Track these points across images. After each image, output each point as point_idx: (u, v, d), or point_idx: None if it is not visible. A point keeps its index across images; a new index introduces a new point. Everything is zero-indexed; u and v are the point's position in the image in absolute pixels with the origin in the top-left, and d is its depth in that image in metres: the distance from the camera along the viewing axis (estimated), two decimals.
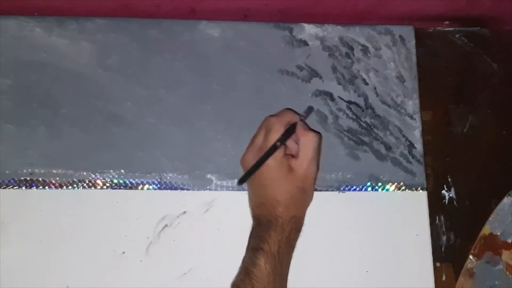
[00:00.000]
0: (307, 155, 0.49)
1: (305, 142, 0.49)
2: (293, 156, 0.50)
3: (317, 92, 0.58)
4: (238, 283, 0.46)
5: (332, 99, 0.58)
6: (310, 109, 0.56)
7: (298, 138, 0.50)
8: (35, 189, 0.53)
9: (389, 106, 0.58)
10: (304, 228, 0.52)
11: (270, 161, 0.48)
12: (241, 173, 0.55)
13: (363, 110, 0.58)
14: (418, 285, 0.53)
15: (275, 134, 0.48)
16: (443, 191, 0.58)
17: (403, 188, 0.56)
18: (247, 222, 0.53)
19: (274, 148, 0.48)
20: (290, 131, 0.49)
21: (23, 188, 0.53)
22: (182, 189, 0.54)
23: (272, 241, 0.47)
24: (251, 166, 0.48)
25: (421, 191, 0.56)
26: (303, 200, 0.50)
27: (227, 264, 0.52)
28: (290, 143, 0.50)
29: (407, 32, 0.61)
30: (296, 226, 0.49)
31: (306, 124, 0.52)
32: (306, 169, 0.49)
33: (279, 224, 0.47)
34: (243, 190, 0.54)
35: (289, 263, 0.50)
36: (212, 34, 0.59)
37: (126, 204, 0.54)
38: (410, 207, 0.56)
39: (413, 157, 0.57)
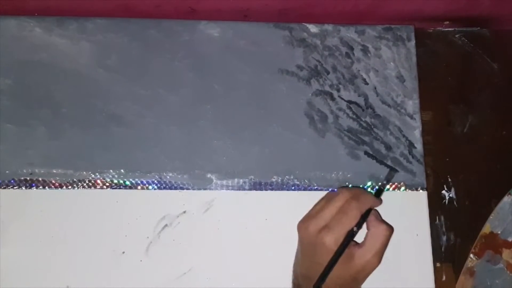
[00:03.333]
0: (373, 248, 0.45)
1: (375, 234, 0.46)
2: (356, 242, 0.47)
3: (317, 92, 0.58)
4: None
5: (332, 98, 0.58)
6: (391, 174, 0.55)
7: (368, 226, 0.47)
8: (35, 189, 0.53)
9: (389, 106, 0.58)
10: None
11: (332, 244, 0.44)
12: (240, 173, 0.55)
13: (363, 110, 0.58)
14: (418, 285, 0.53)
15: (351, 219, 0.45)
16: (443, 191, 0.58)
17: (403, 188, 0.56)
18: (247, 222, 0.53)
19: (351, 236, 0.45)
20: (364, 217, 0.47)
21: (23, 188, 0.53)
22: (182, 188, 0.54)
23: None
24: (327, 264, 0.44)
25: (421, 191, 0.56)
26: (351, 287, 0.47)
27: (227, 264, 0.52)
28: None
29: (407, 32, 0.61)
30: None
31: (379, 214, 0.50)
32: (368, 262, 0.45)
33: None
34: (243, 190, 0.55)
35: None
36: (212, 34, 0.59)
37: (126, 204, 0.53)
38: (410, 207, 0.55)
39: (413, 157, 0.57)
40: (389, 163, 0.56)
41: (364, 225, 0.47)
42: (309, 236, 0.46)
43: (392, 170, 0.56)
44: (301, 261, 0.48)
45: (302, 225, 0.47)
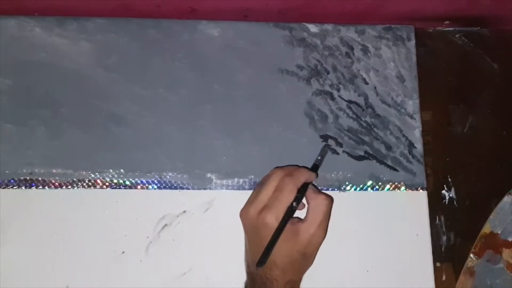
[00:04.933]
0: (316, 219, 0.46)
1: (316, 206, 0.47)
2: (299, 218, 0.48)
3: (317, 92, 0.58)
4: None
5: (332, 98, 0.58)
6: (325, 150, 0.55)
7: (307, 200, 0.48)
8: (34, 189, 0.53)
9: (389, 105, 0.58)
10: None
11: (274, 222, 0.45)
12: (240, 173, 0.55)
13: (363, 110, 0.58)
14: (418, 285, 0.53)
15: (288, 195, 0.46)
16: (443, 191, 0.58)
17: (403, 188, 0.56)
18: None
19: (291, 211, 0.46)
20: (302, 192, 0.47)
21: (23, 188, 0.53)
22: (182, 188, 0.54)
23: None
24: (270, 240, 0.44)
25: (421, 191, 0.56)
26: (302, 265, 0.47)
27: (226, 264, 0.52)
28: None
29: (407, 32, 0.61)
30: None
31: (316, 187, 0.51)
32: (313, 235, 0.46)
33: None
34: (243, 189, 0.55)
35: None
36: (212, 34, 0.59)
37: (125, 204, 0.53)
38: (410, 207, 0.55)
39: (413, 157, 0.57)
40: (389, 162, 0.56)
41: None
42: (251, 221, 0.46)
43: (326, 146, 0.56)
44: (249, 249, 0.48)
45: (243, 212, 0.48)
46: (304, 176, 0.48)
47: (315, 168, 0.53)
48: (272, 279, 0.45)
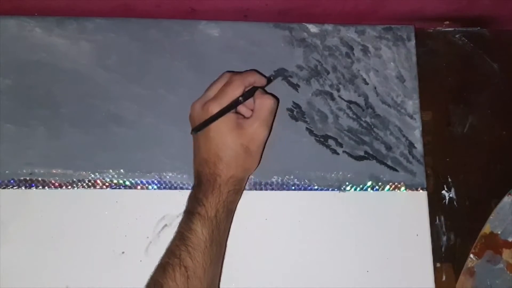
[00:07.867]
0: (260, 116, 0.49)
1: (261, 104, 0.49)
2: (245, 117, 0.50)
3: (317, 92, 0.58)
4: (173, 248, 0.45)
5: (333, 98, 0.58)
6: (280, 72, 0.57)
7: (254, 100, 0.50)
8: (34, 189, 0.53)
9: (389, 106, 0.58)
10: (303, 225, 0.52)
11: (216, 109, 0.47)
12: None
13: (363, 110, 0.58)
14: (418, 285, 0.53)
15: (235, 89, 0.48)
16: (443, 191, 0.58)
17: (403, 188, 0.56)
18: (247, 222, 0.53)
19: (236, 103, 0.48)
20: (250, 92, 0.50)
21: (23, 188, 0.53)
22: (181, 188, 0.54)
23: (209, 204, 0.46)
24: (210, 116, 0.47)
25: (421, 191, 0.56)
26: (246, 160, 0.49)
27: (226, 264, 0.52)
28: (242, 106, 0.50)
29: (407, 32, 0.61)
30: (234, 187, 0.48)
31: (265, 90, 0.53)
32: (256, 129, 0.49)
33: (217, 185, 0.47)
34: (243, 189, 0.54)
35: (228, 228, 0.50)
36: (212, 34, 0.59)
37: (125, 204, 0.53)
38: (410, 207, 0.55)
39: (413, 157, 0.57)
40: (389, 163, 0.56)
41: None
42: (197, 114, 0.49)
43: (283, 69, 0.58)
44: (196, 149, 0.51)
45: (191, 109, 0.51)
46: (253, 77, 0.51)
47: (267, 80, 0.54)
48: (216, 175, 0.47)
